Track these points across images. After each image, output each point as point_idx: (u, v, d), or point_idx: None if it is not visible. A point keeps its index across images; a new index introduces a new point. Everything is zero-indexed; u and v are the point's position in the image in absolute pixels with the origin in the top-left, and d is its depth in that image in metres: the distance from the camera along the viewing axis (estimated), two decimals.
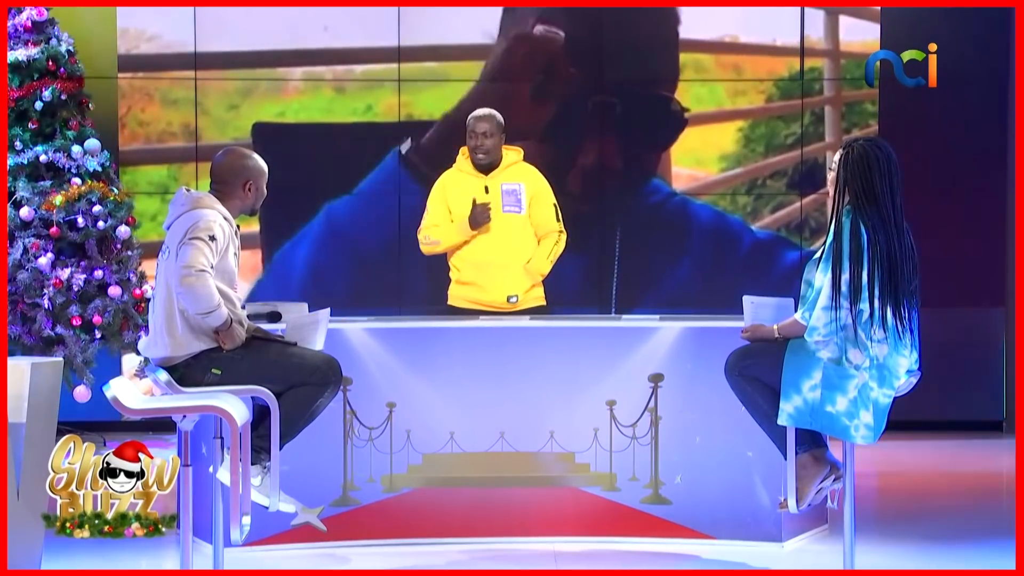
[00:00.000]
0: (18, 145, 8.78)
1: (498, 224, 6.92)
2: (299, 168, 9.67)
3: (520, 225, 6.95)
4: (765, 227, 9.89)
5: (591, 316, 7.93)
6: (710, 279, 9.73)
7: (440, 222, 6.99)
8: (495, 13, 9.82)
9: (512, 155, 7.02)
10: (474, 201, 6.88)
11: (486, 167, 6.95)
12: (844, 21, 9.90)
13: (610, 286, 9.74)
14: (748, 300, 5.41)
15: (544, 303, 7.07)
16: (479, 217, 6.87)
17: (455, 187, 6.99)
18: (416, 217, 7.17)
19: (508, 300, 6.93)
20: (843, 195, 5.22)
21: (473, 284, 6.95)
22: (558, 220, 7.00)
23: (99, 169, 8.84)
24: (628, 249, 9.82)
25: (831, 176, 5.31)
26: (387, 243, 9.74)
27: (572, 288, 9.39)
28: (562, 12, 9.78)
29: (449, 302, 7.05)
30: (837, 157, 5.28)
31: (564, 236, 7.01)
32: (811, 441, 5.28)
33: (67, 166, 8.76)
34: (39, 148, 8.78)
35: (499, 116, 6.98)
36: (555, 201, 7.03)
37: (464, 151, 7.03)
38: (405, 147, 9.63)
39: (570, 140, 9.82)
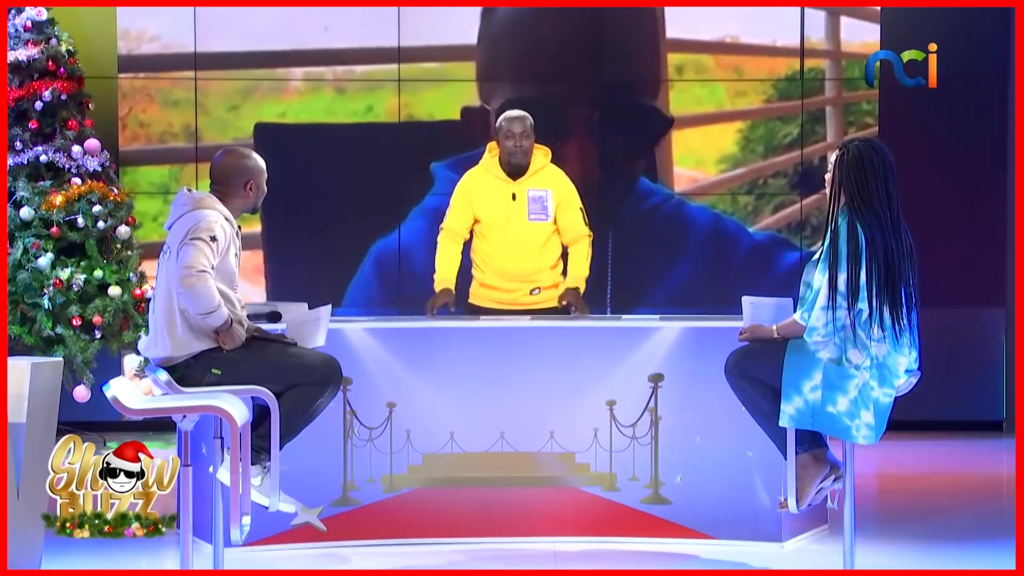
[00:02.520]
0: (18, 145, 8.79)
1: (523, 233, 6.84)
2: (301, 169, 9.67)
3: (546, 232, 6.88)
4: (765, 228, 9.89)
5: (591, 316, 7.93)
6: (709, 281, 9.73)
7: (461, 228, 6.90)
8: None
9: (540, 158, 6.90)
10: (446, 291, 6.79)
11: (517, 168, 6.87)
12: (844, 21, 9.90)
13: (608, 286, 9.74)
14: (747, 300, 5.41)
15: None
16: (439, 301, 6.80)
17: (482, 190, 6.88)
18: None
19: (531, 293, 6.89)
20: (839, 196, 5.23)
21: (497, 288, 6.92)
22: (586, 223, 6.93)
23: (99, 169, 8.85)
24: (627, 251, 9.81)
25: (828, 177, 5.32)
26: (387, 242, 9.75)
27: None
28: (555, 11, 9.78)
29: (470, 300, 7.01)
30: (832, 158, 5.29)
31: (591, 238, 6.96)
32: (811, 441, 5.28)
33: (67, 166, 8.77)
34: (39, 148, 8.78)
35: (530, 116, 6.90)
36: (581, 205, 6.94)
37: (492, 147, 6.93)
38: None
39: (569, 141, 9.81)
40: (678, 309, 9.18)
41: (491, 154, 6.92)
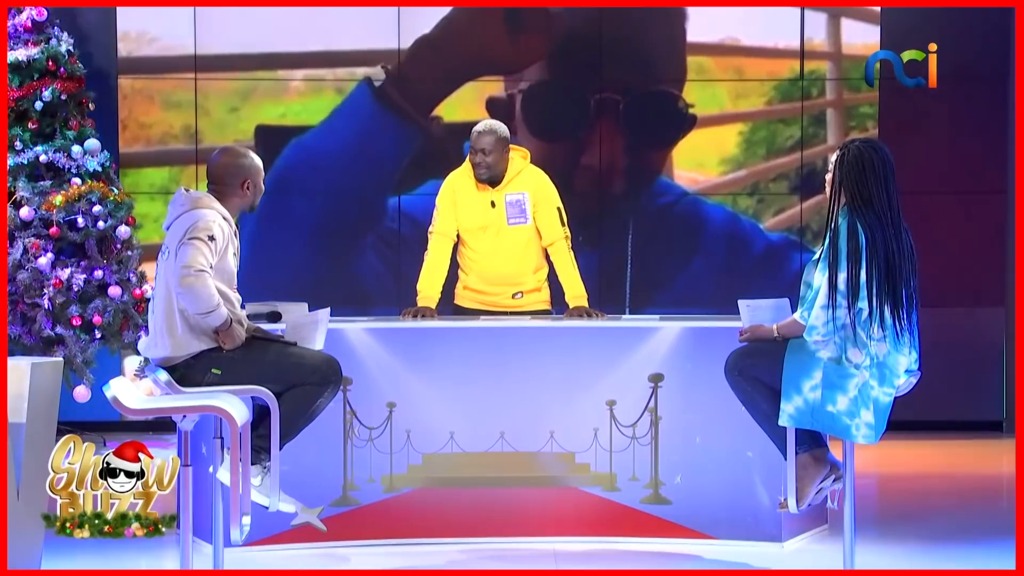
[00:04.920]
0: (18, 145, 8.79)
1: (504, 238, 6.82)
2: (302, 170, 9.68)
3: (527, 235, 6.84)
4: (767, 230, 9.89)
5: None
6: (721, 279, 9.72)
7: (449, 230, 6.85)
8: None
9: (518, 161, 6.84)
10: (424, 309, 6.68)
11: (488, 181, 6.84)
12: (844, 22, 9.90)
13: (621, 286, 9.73)
14: (744, 304, 5.40)
15: (549, 307, 6.99)
16: (415, 313, 6.74)
17: (464, 195, 6.83)
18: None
19: (513, 297, 6.88)
20: (839, 196, 5.24)
21: (481, 292, 6.90)
22: (563, 224, 6.85)
23: (99, 169, 8.85)
24: (638, 249, 9.81)
25: (828, 178, 5.32)
26: (388, 242, 9.76)
27: (589, 288, 9.36)
28: (566, 12, 9.79)
29: (456, 301, 7.00)
30: (833, 159, 5.30)
31: (568, 239, 6.90)
32: (811, 441, 5.28)
33: (67, 166, 8.77)
34: (39, 148, 8.79)
35: (502, 129, 6.79)
36: (560, 204, 6.87)
37: None
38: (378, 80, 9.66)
39: (576, 140, 9.82)
40: (691, 308, 9.18)
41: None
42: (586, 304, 6.67)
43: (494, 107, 9.75)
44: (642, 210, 9.87)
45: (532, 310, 6.85)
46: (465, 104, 9.81)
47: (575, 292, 6.74)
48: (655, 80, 9.91)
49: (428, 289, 6.73)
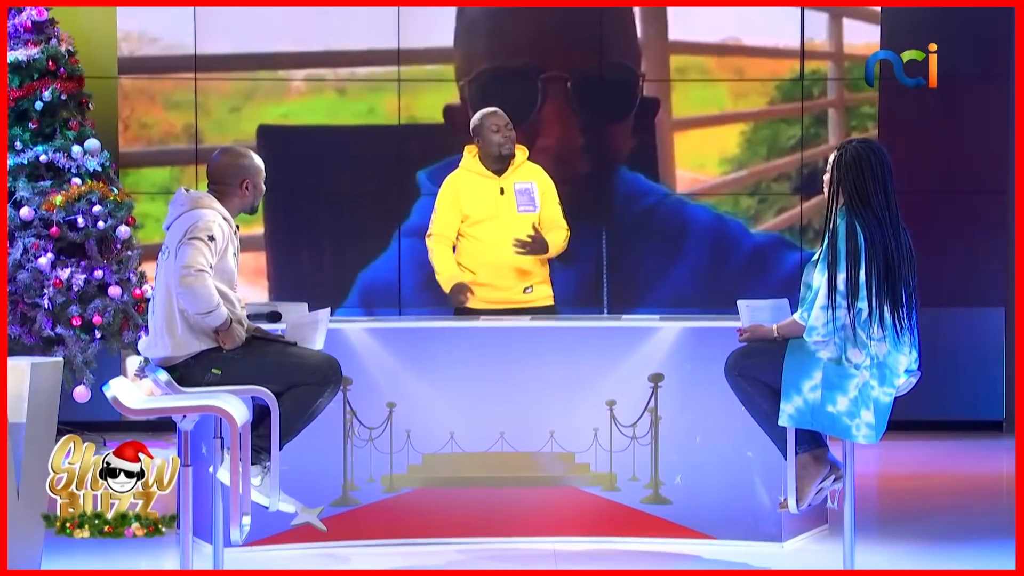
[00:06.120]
0: (18, 145, 8.78)
1: (513, 226, 6.87)
2: (303, 170, 9.68)
3: (535, 224, 6.94)
4: (769, 230, 9.88)
5: (591, 316, 7.93)
6: (708, 282, 9.73)
7: (449, 231, 6.93)
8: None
9: (520, 154, 7.01)
10: (460, 285, 6.83)
11: (506, 159, 6.91)
12: (845, 22, 9.90)
13: (600, 287, 9.74)
14: (743, 304, 5.40)
15: (552, 303, 7.05)
16: (458, 299, 6.85)
17: (469, 189, 6.91)
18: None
19: (524, 292, 6.93)
20: (837, 196, 5.24)
21: (490, 285, 6.93)
22: (565, 217, 7.02)
23: (99, 169, 8.84)
24: (625, 251, 9.81)
25: (826, 178, 5.32)
26: (387, 242, 9.76)
27: (572, 289, 9.38)
28: (554, 10, 9.79)
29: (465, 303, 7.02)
30: (831, 159, 5.30)
31: (568, 232, 7.02)
32: (811, 441, 5.28)
33: (67, 166, 8.76)
34: (39, 148, 8.78)
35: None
36: (559, 201, 7.04)
37: (471, 150, 6.98)
38: None
39: (564, 142, 9.81)
40: (677, 309, 9.18)
41: (471, 155, 6.98)
42: (549, 246, 6.83)
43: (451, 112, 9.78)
44: (627, 211, 9.86)
45: (539, 305, 6.91)
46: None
47: (550, 238, 6.86)
48: (641, 78, 9.90)
49: (451, 271, 6.91)
